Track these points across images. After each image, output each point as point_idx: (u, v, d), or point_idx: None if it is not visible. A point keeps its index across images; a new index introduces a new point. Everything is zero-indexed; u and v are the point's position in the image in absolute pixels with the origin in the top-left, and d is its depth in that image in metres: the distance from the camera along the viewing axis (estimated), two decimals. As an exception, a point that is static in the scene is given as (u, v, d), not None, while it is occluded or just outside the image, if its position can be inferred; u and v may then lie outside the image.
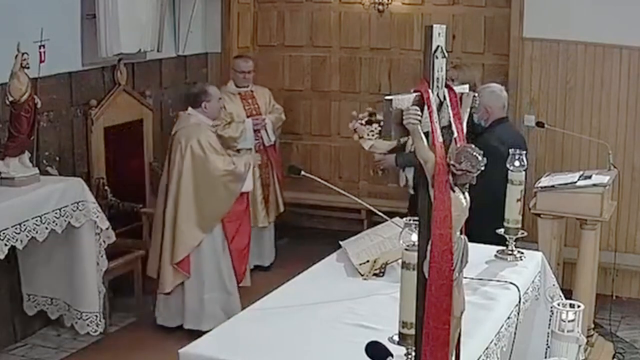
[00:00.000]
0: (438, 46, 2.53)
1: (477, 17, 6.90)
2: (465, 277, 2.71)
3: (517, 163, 3.83)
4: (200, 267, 5.35)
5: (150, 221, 5.93)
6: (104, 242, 5.21)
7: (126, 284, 5.77)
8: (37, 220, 4.75)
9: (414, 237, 2.59)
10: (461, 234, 2.52)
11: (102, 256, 5.23)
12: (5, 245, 4.53)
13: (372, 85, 7.29)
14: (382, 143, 5.51)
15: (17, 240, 4.61)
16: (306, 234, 7.25)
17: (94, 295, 5.20)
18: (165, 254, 5.34)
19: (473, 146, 2.47)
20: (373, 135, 5.48)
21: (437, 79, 2.56)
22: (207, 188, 5.28)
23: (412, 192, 5.41)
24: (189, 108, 5.52)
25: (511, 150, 3.88)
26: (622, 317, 5.85)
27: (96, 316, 5.23)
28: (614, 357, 5.22)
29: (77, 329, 5.28)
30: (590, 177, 4.90)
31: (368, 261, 3.70)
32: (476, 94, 2.75)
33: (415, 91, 2.54)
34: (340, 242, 3.95)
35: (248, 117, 6.53)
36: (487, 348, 3.10)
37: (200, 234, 5.30)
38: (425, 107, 2.48)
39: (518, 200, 3.84)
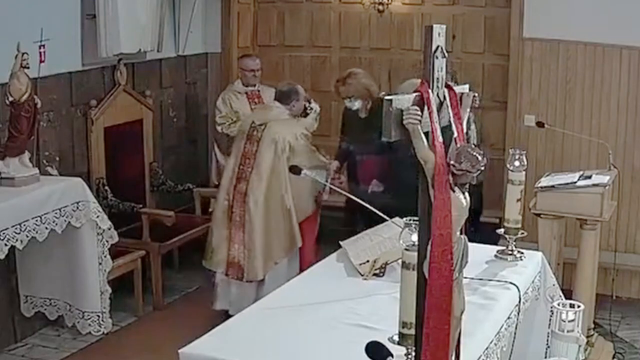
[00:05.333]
0: (438, 46, 2.53)
1: (477, 17, 6.91)
2: (465, 277, 2.71)
3: (517, 163, 3.83)
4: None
5: (149, 221, 5.93)
6: (107, 242, 5.22)
7: (126, 284, 5.77)
8: (37, 220, 4.75)
9: (414, 237, 2.59)
10: (461, 234, 2.52)
11: (105, 256, 5.23)
12: (6, 245, 4.53)
13: (372, 85, 7.29)
14: (304, 122, 5.79)
15: (17, 240, 4.61)
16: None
17: (96, 295, 5.21)
18: (257, 243, 5.38)
19: (473, 146, 2.47)
20: None
21: (437, 79, 2.56)
22: (303, 181, 5.32)
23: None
24: (276, 102, 5.62)
25: (511, 151, 3.90)
26: (622, 317, 5.84)
27: (98, 316, 5.24)
28: (614, 357, 5.21)
29: (78, 329, 5.29)
30: (590, 177, 4.89)
31: (368, 261, 3.70)
32: (476, 95, 2.75)
33: (415, 91, 2.54)
34: (340, 242, 3.94)
35: None
36: (487, 348, 3.10)
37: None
38: (425, 107, 2.48)
39: (518, 200, 3.84)
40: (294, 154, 5.38)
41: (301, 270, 5.37)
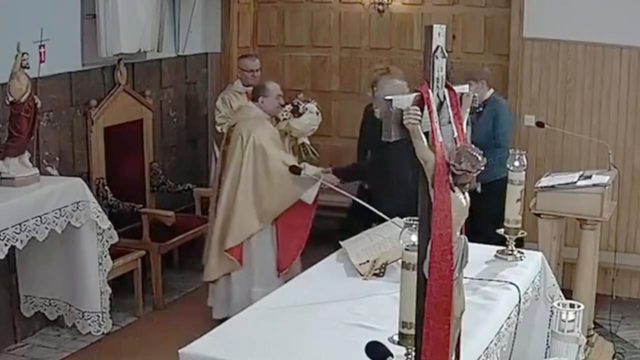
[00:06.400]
0: (438, 46, 2.53)
1: (477, 17, 6.90)
2: (465, 277, 2.71)
3: (517, 163, 3.83)
4: (250, 259, 5.38)
5: (149, 221, 5.93)
6: (107, 242, 5.21)
7: (126, 284, 5.77)
8: (37, 220, 4.74)
9: (414, 237, 2.60)
10: (461, 234, 2.52)
11: (105, 256, 5.22)
12: (6, 245, 4.53)
13: (372, 85, 7.29)
14: (297, 122, 5.70)
15: (17, 240, 4.60)
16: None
17: (96, 295, 5.21)
18: (213, 241, 5.36)
19: (473, 146, 2.47)
20: (287, 115, 5.71)
21: (437, 79, 2.56)
22: (266, 182, 5.29)
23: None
24: (250, 101, 5.68)
25: (511, 151, 3.90)
26: (622, 317, 5.85)
27: (98, 316, 5.24)
28: (614, 357, 5.22)
29: (78, 329, 5.29)
30: (590, 177, 4.90)
31: (368, 261, 3.70)
32: (476, 95, 2.75)
33: (415, 91, 2.54)
34: (340, 242, 3.94)
35: None
36: (487, 348, 3.10)
37: (257, 224, 5.32)
38: (425, 107, 2.49)
39: (518, 200, 3.84)
40: (256, 152, 5.29)
41: (280, 271, 5.37)
